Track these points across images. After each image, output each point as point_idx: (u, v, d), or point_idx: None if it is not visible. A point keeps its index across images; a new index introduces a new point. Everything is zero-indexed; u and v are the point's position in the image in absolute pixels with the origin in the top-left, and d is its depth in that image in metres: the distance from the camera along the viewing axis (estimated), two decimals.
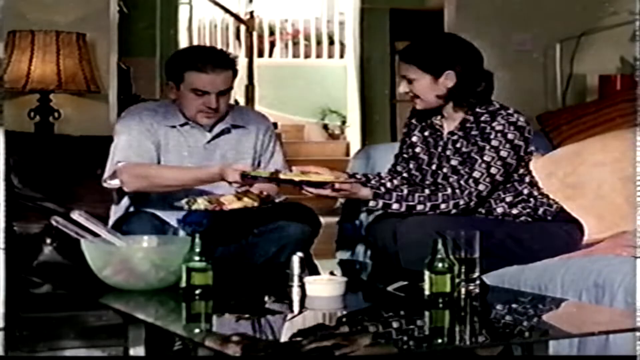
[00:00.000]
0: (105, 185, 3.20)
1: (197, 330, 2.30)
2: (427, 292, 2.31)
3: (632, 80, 4.14)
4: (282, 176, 2.91)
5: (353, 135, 8.68)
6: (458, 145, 3.08)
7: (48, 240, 3.50)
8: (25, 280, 3.38)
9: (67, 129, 4.37)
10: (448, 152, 3.10)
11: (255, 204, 2.93)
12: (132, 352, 2.68)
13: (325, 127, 9.02)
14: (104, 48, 4.61)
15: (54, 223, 2.61)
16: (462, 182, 2.99)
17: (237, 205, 2.93)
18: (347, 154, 8.28)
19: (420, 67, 3.06)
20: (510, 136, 3.00)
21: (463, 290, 2.46)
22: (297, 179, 2.91)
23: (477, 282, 2.50)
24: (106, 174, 3.19)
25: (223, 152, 3.24)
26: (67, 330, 3.25)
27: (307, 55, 9.56)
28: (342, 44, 9.34)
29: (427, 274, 2.32)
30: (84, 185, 3.68)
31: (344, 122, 8.95)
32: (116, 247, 2.61)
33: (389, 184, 3.25)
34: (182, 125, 3.23)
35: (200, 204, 2.93)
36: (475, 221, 2.98)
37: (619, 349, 2.51)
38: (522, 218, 3.07)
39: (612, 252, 2.97)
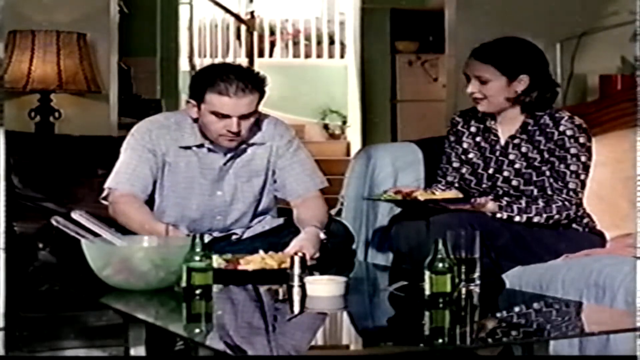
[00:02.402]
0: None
1: (197, 330, 2.30)
2: (427, 292, 2.31)
3: (632, 80, 4.13)
4: (419, 196, 2.95)
5: (353, 135, 8.68)
6: (523, 149, 3.11)
7: (41, 245, 3.49)
8: (25, 281, 3.38)
9: (67, 129, 4.37)
10: (511, 156, 3.13)
11: (275, 266, 2.74)
12: (132, 352, 2.68)
13: (326, 127, 9.02)
14: (104, 48, 4.62)
15: (54, 223, 2.60)
16: (564, 195, 3.04)
17: (253, 267, 2.74)
18: (348, 154, 8.28)
19: (498, 67, 3.06)
20: (582, 140, 3.08)
21: (463, 290, 2.47)
22: (422, 198, 2.94)
23: (478, 282, 2.50)
24: (103, 194, 3.14)
25: (236, 170, 3.15)
26: (67, 330, 3.25)
27: (307, 55, 9.55)
28: (342, 44, 9.33)
29: (427, 274, 2.32)
30: (84, 185, 3.68)
31: (344, 122, 8.95)
32: (116, 247, 2.60)
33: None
34: (198, 147, 3.13)
35: (214, 261, 2.67)
36: (503, 220, 3.01)
37: (619, 349, 2.51)
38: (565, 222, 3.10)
39: (613, 252, 2.97)
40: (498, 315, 2.49)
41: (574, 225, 3.11)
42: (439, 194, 3.02)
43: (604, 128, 3.56)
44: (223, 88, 2.99)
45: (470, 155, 3.23)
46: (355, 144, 8.46)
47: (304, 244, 2.90)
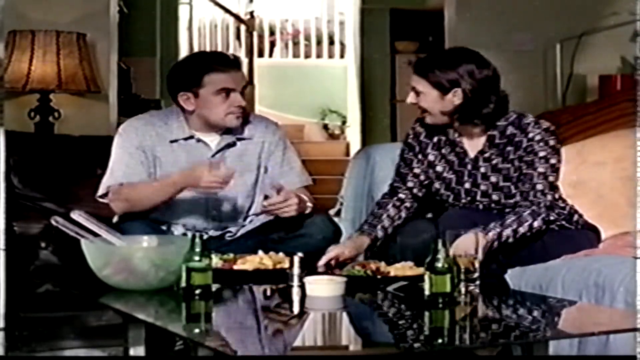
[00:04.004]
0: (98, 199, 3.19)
1: (197, 330, 2.30)
2: (427, 292, 2.31)
3: (632, 80, 4.14)
4: (392, 272, 2.70)
5: (353, 135, 8.68)
6: (494, 162, 3.07)
7: (43, 244, 3.49)
8: (25, 281, 3.38)
9: (67, 129, 4.37)
10: (483, 170, 3.08)
11: (270, 266, 2.75)
12: (132, 352, 2.68)
13: (325, 127, 9.02)
14: (104, 48, 4.62)
15: (54, 223, 2.61)
16: (531, 197, 2.99)
17: (248, 267, 2.75)
18: (347, 154, 8.28)
19: (429, 81, 3.01)
20: (551, 142, 3.04)
21: (463, 290, 2.47)
22: (394, 273, 2.69)
23: (477, 282, 2.50)
24: (98, 192, 3.16)
25: (227, 165, 3.15)
26: (67, 330, 3.25)
27: (307, 55, 9.55)
28: (342, 44, 9.33)
29: (427, 274, 2.32)
30: (84, 185, 3.67)
31: (344, 122, 8.95)
32: (116, 247, 2.61)
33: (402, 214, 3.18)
34: (186, 139, 3.17)
35: (214, 258, 2.66)
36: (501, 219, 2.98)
37: (619, 349, 2.51)
38: (557, 223, 3.06)
39: (612, 252, 2.97)
40: (497, 315, 2.49)
41: (566, 225, 3.10)
42: (400, 267, 2.75)
43: (604, 128, 3.56)
44: (219, 66, 3.10)
45: (439, 169, 3.17)
46: (355, 144, 8.46)
47: (290, 193, 3.03)
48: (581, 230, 3.12)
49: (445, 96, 3.01)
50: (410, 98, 3.07)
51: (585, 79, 5.02)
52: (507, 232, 2.90)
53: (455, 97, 3.01)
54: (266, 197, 3.23)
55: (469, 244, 2.62)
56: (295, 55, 9.58)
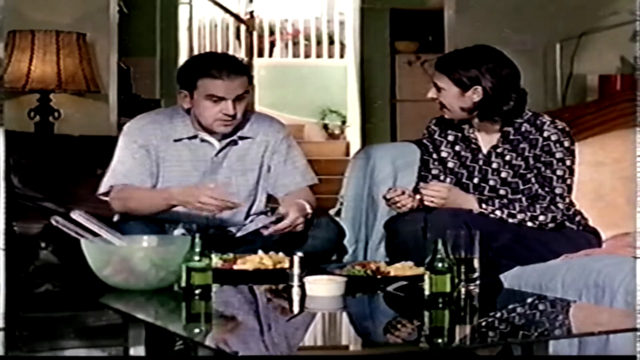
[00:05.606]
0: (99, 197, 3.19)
1: (197, 330, 2.30)
2: (427, 292, 2.31)
3: (632, 80, 4.14)
4: (392, 272, 2.69)
5: (353, 135, 8.67)
6: (507, 158, 3.12)
7: (43, 244, 3.49)
8: (25, 281, 3.38)
9: (67, 129, 4.38)
10: (494, 165, 3.13)
11: (271, 266, 2.75)
12: (132, 352, 2.68)
13: (325, 127, 9.01)
14: (104, 48, 4.63)
15: (54, 223, 2.60)
16: (548, 199, 3.05)
17: (248, 267, 2.74)
18: (347, 154, 8.27)
19: (450, 78, 3.08)
20: (566, 144, 3.08)
21: (463, 290, 2.47)
22: (394, 273, 2.68)
23: (477, 282, 2.50)
24: (100, 190, 3.16)
25: (230, 164, 3.18)
26: (67, 330, 3.25)
27: (307, 55, 9.55)
28: (342, 44, 9.33)
29: (427, 274, 2.32)
30: (84, 185, 3.68)
31: (344, 122, 8.94)
32: (116, 247, 2.61)
33: None
34: (190, 139, 3.17)
35: (213, 258, 2.64)
36: (499, 221, 3.02)
37: (619, 349, 2.51)
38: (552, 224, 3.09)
39: (612, 252, 2.97)
40: (497, 315, 2.49)
41: (567, 224, 3.11)
42: (400, 267, 2.74)
43: (604, 128, 3.57)
44: (215, 72, 3.07)
45: (450, 165, 3.21)
46: (355, 144, 8.46)
47: (290, 209, 3.00)
48: (582, 231, 3.13)
49: (465, 93, 3.08)
50: (431, 93, 3.14)
51: (585, 79, 5.02)
52: (499, 212, 3.02)
53: (475, 95, 3.07)
54: (268, 199, 3.24)
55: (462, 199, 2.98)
56: (295, 55, 9.58)
